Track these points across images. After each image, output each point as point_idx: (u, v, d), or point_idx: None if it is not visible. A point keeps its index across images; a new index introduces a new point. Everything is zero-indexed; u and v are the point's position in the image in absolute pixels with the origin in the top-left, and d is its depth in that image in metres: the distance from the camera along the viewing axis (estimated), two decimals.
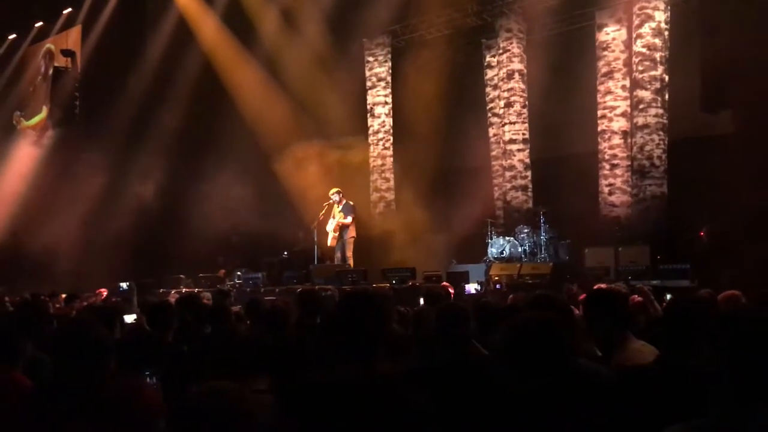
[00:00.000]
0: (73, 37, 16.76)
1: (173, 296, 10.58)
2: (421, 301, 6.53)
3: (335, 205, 12.58)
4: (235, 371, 3.01)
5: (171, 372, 3.40)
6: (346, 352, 2.29)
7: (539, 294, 3.78)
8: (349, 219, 12.53)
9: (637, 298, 5.13)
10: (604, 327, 3.36)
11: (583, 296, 5.46)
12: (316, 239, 12.77)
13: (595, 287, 5.91)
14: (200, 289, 11.49)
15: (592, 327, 3.47)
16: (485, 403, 2.26)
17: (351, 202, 12.71)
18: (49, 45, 17.43)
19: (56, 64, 16.53)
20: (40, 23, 17.48)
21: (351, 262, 12.56)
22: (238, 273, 12.81)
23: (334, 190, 12.69)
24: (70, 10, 16.86)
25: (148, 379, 3.06)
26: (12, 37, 18.06)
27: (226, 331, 4.76)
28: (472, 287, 8.10)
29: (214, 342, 4.58)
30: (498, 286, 9.51)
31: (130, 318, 5.51)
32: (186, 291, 11.52)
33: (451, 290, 7.33)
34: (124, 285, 10.30)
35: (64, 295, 9.50)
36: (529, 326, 2.31)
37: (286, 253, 14.29)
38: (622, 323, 3.35)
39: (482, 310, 4.04)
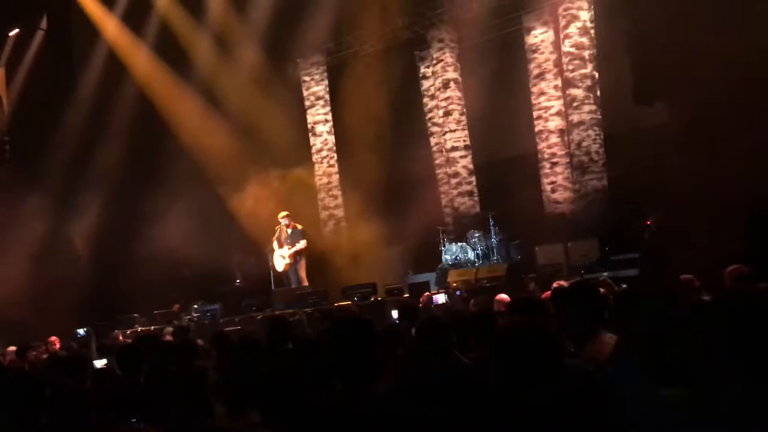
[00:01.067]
0: None
1: (125, 335, 10.33)
2: (394, 314, 6.52)
3: (285, 230, 12.50)
4: (225, 406, 2.98)
5: (153, 415, 3.33)
6: (343, 377, 2.29)
7: (519, 298, 3.84)
8: (302, 244, 12.44)
9: (601, 290, 5.24)
10: (576, 322, 3.44)
11: (545, 294, 5.57)
12: (271, 264, 12.67)
13: (555, 284, 6.03)
14: (156, 327, 11.23)
15: (564, 323, 3.55)
16: (485, 414, 2.28)
17: (299, 226, 12.61)
18: None
19: None
20: None
21: (305, 282, 12.50)
22: (195, 306, 12.57)
23: (283, 213, 12.62)
24: None
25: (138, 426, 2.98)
26: None
27: (197, 368, 4.67)
28: (440, 297, 8.15)
29: (187, 380, 4.50)
30: (458, 292, 9.58)
31: (99, 363, 5.35)
32: (142, 330, 11.25)
33: (422, 302, 7.32)
34: (81, 331, 9.96)
35: (11, 348, 9.16)
36: (519, 332, 2.32)
37: (239, 281, 14.13)
38: (594, 316, 3.44)
39: (456, 320, 4.08)
